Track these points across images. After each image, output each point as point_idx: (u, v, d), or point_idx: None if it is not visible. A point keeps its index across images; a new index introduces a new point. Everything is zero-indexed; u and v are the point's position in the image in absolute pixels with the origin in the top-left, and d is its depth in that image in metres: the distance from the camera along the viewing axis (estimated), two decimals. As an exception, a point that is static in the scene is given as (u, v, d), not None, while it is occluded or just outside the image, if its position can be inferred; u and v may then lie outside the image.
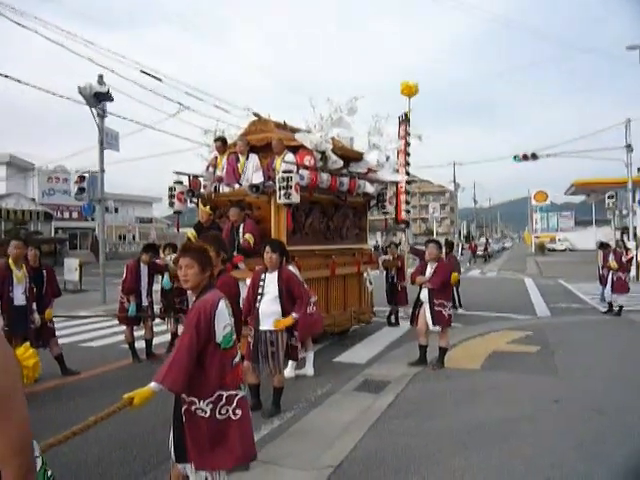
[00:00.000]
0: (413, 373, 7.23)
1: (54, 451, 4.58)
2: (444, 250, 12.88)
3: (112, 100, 17.32)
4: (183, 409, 3.15)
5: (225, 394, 3.14)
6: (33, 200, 43.89)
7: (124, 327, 8.60)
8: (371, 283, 10.42)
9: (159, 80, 18.36)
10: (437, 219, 49.97)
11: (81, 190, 17.21)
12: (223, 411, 3.13)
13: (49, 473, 1.82)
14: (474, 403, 5.95)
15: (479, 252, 45.22)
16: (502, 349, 8.66)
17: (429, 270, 7.58)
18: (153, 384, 3.04)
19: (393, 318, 11.60)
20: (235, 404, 3.16)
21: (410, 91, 12.70)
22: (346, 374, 7.38)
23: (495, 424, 5.23)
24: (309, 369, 7.40)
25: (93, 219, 38.23)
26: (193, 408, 3.11)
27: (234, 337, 3.25)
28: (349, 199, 9.82)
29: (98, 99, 17.00)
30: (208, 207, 8.46)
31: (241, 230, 7.85)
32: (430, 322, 7.48)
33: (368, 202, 10.62)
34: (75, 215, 45.17)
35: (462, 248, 45.92)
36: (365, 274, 10.24)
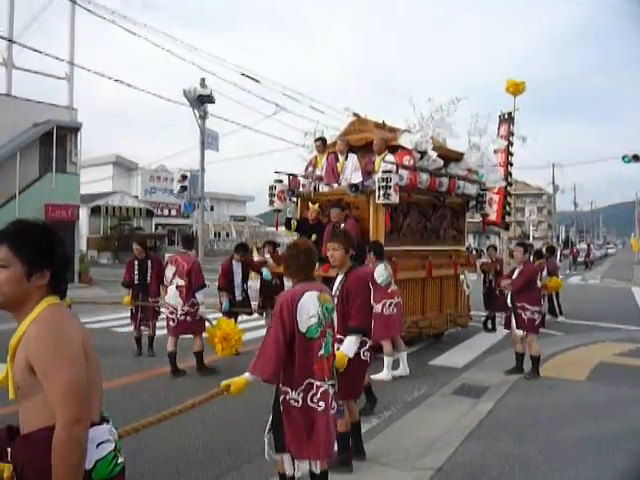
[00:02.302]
0: (513, 380, 7.00)
1: (149, 441, 4.82)
2: (544, 255, 12.38)
3: (214, 102, 18.01)
4: (280, 399, 3.26)
5: (315, 383, 3.22)
6: (136, 198, 46.35)
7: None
8: (468, 286, 10.19)
9: (257, 82, 18.93)
10: (533, 223, 48.00)
11: (183, 188, 17.97)
12: (315, 399, 3.20)
13: (119, 460, 1.91)
14: (580, 415, 5.67)
15: (580, 258, 43.00)
16: (609, 361, 8.20)
17: (515, 274, 7.44)
18: (246, 374, 3.19)
19: (490, 323, 11.27)
20: (319, 395, 3.22)
21: (517, 89, 12.21)
22: (442, 378, 7.28)
23: (604, 438, 4.96)
24: (404, 369, 7.32)
25: (188, 216, 39.92)
26: (287, 398, 3.21)
27: (321, 329, 3.28)
28: (447, 200, 9.66)
29: (201, 101, 17.74)
30: (317, 205, 8.58)
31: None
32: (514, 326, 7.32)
33: (467, 203, 10.40)
34: (174, 212, 47.30)
35: (561, 254, 43.89)
36: (462, 277, 10.04)
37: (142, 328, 8.62)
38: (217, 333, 6.09)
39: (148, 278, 8.54)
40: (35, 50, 16.44)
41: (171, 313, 7.39)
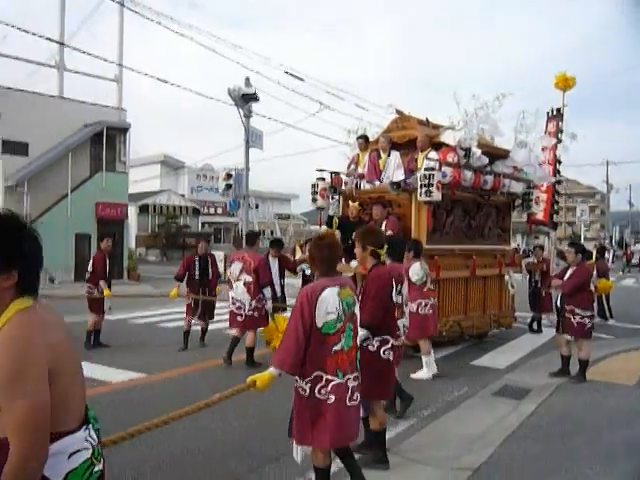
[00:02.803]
0: (557, 383, 6.82)
1: (173, 435, 4.92)
2: (594, 256, 12.01)
3: (258, 100, 18.19)
4: (294, 386, 3.36)
5: (324, 376, 3.27)
6: (183, 196, 47.27)
7: None
8: (513, 286, 9.97)
9: (301, 80, 19.02)
10: (585, 223, 46.48)
11: (228, 186, 18.24)
12: (323, 392, 3.27)
13: (95, 468, 1.78)
14: (627, 420, 5.48)
15: (635, 260, 41.50)
16: (662, 366, 7.89)
17: (567, 275, 7.16)
18: (271, 367, 3.27)
19: (535, 325, 11.01)
20: (330, 388, 3.27)
21: (566, 84, 11.80)
22: (484, 378, 7.15)
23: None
24: (426, 372, 7.10)
25: (234, 214, 40.34)
26: (296, 386, 3.33)
27: (340, 325, 3.32)
28: (492, 198, 9.48)
29: (245, 100, 17.94)
30: (357, 203, 8.57)
31: (383, 227, 7.87)
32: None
33: (513, 202, 10.17)
34: (219, 210, 47.97)
35: (614, 255, 42.42)
36: (507, 277, 9.83)
37: (195, 322, 8.92)
38: (278, 328, 6.46)
39: (210, 274, 8.97)
40: (85, 52, 16.99)
41: (238, 309, 7.55)
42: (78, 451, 1.74)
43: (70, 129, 22.11)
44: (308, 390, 3.28)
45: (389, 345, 4.22)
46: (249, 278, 7.52)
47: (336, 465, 3.71)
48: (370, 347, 4.15)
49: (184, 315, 9.18)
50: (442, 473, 4.18)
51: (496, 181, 9.01)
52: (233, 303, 7.64)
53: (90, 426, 1.82)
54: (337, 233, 7.83)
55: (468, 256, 9.03)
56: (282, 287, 8.91)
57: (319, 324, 3.26)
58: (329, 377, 3.28)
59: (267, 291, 7.57)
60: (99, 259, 9.00)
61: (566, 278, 7.12)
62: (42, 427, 1.62)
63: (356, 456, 3.83)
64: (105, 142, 22.74)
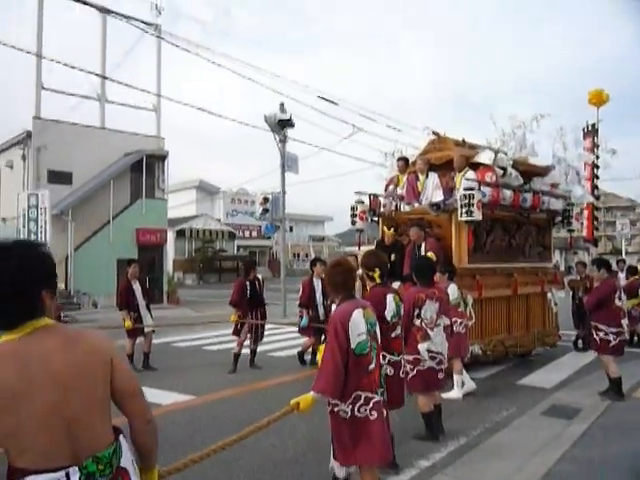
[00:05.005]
0: (607, 402, 6.73)
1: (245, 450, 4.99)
2: (624, 274, 11.80)
3: (293, 126, 18.48)
4: (328, 410, 3.48)
5: (363, 395, 3.39)
6: (218, 220, 48.02)
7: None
8: (556, 304, 9.89)
9: (335, 104, 19.29)
10: (626, 237, 45.44)
11: (265, 211, 18.47)
12: (362, 410, 3.37)
13: None
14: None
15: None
16: None
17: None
18: (311, 391, 3.37)
19: (580, 343, 10.85)
20: (371, 405, 3.39)
21: (600, 100, 11.78)
22: (531, 397, 7.10)
23: None
24: (457, 392, 7.11)
25: (269, 237, 40.71)
26: (336, 410, 3.43)
27: (370, 345, 3.45)
28: (532, 216, 9.47)
29: (281, 126, 18.26)
30: (392, 230, 8.64)
31: (422, 248, 7.94)
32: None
33: (552, 219, 10.14)
34: (254, 234, 48.55)
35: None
36: (549, 294, 9.76)
37: (246, 344, 9.06)
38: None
39: (259, 297, 9.20)
40: (126, 85, 17.57)
41: (439, 363, 5.56)
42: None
43: (111, 158, 22.84)
44: (349, 411, 3.39)
45: (386, 360, 4.35)
46: (447, 321, 5.83)
47: None
48: None
49: (231, 338, 9.37)
50: (496, 493, 4.19)
51: (535, 199, 9.01)
52: (428, 355, 5.79)
53: (78, 470, 1.71)
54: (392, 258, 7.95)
55: (509, 275, 9.02)
56: (325, 307, 9.00)
57: (352, 345, 3.38)
58: (368, 395, 3.40)
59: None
60: (122, 287, 9.07)
61: (589, 294, 7.12)
62: None
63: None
64: (145, 170, 23.39)
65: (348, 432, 3.40)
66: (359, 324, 3.42)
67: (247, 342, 9.08)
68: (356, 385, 3.38)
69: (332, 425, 3.50)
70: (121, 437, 1.85)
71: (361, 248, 10.70)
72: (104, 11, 23.11)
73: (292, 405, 3.35)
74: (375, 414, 3.39)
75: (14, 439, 1.65)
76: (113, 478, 1.77)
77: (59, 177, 21.52)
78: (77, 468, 1.70)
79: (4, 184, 23.30)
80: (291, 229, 55.88)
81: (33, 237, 18.48)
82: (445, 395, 6.91)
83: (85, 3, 22.49)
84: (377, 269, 4.50)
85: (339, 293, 3.67)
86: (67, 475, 1.68)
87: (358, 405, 3.37)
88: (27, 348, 1.69)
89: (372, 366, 3.45)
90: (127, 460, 1.84)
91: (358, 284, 5.85)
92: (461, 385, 7.13)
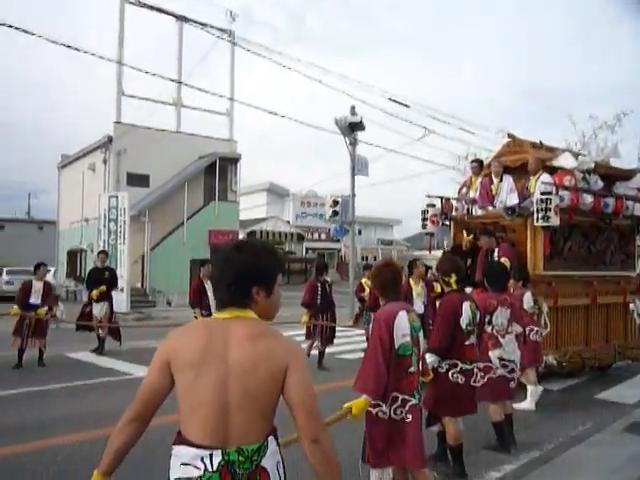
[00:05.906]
0: (696, 421, 6.31)
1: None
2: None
3: (364, 129, 18.44)
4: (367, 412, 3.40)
5: (400, 396, 3.36)
6: (288, 223, 48.54)
7: None
8: (639, 315, 9.36)
9: (407, 107, 19.12)
10: None
11: (335, 213, 18.51)
12: (398, 412, 3.35)
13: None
14: None
15: None
16: None
17: None
18: (363, 395, 3.34)
19: (665, 357, 10.23)
20: (408, 408, 3.36)
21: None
22: (610, 413, 6.74)
23: None
24: (530, 402, 6.85)
25: (339, 240, 40.80)
26: (375, 410, 3.38)
27: (412, 348, 3.42)
28: (614, 222, 9.01)
29: (351, 129, 18.26)
30: (471, 236, 8.46)
31: (496, 254, 7.72)
32: None
33: (637, 225, 9.61)
34: (323, 236, 48.77)
35: None
36: (632, 305, 9.25)
37: (315, 345, 9.21)
38: None
39: (329, 299, 9.32)
40: (201, 90, 18.09)
41: (511, 372, 5.45)
42: (186, 465, 1.76)
43: (186, 161, 23.60)
44: (388, 412, 3.37)
45: (457, 369, 4.29)
46: (519, 329, 5.70)
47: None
48: (440, 369, 4.30)
49: (302, 339, 9.43)
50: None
51: (618, 204, 8.57)
52: (499, 364, 5.65)
53: (220, 455, 1.75)
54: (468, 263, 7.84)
55: (588, 283, 8.61)
56: None
57: (396, 346, 3.37)
58: (405, 397, 3.38)
59: None
60: (194, 286, 9.27)
61: None
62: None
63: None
64: (217, 172, 24.00)
65: (383, 433, 3.38)
66: (404, 325, 3.41)
67: (316, 343, 9.15)
68: (394, 386, 3.37)
69: (367, 426, 3.48)
70: (270, 438, 1.86)
71: (431, 252, 10.54)
72: (182, 19, 23.92)
73: (345, 410, 3.31)
74: (410, 417, 3.37)
75: (185, 398, 1.80)
76: (252, 474, 1.79)
77: (137, 179, 22.45)
78: (220, 452, 1.75)
79: (87, 186, 24.53)
80: (360, 232, 55.89)
81: (112, 237, 19.34)
82: (517, 406, 6.67)
83: (164, 12, 23.36)
84: (453, 274, 4.43)
85: (387, 292, 3.63)
86: (210, 456, 1.75)
87: (395, 407, 3.36)
88: (222, 328, 1.88)
89: (412, 369, 3.42)
90: (270, 461, 1.84)
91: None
92: (536, 396, 6.88)
